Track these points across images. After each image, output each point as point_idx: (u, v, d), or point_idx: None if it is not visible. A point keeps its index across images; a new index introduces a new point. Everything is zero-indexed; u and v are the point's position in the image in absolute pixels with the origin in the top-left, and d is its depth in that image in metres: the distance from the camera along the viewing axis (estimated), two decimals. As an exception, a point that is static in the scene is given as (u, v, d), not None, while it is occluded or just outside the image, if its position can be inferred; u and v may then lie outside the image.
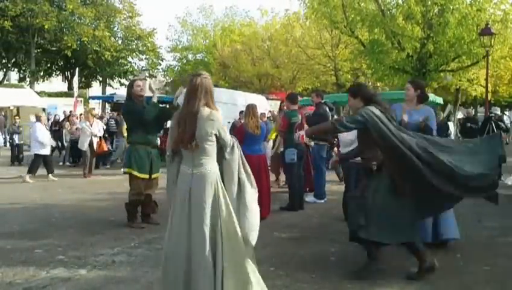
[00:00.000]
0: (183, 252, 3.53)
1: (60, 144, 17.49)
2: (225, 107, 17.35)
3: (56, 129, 17.88)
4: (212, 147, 3.62)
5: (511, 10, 17.88)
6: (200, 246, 3.49)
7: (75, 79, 26.00)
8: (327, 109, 9.07)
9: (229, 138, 3.70)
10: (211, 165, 3.62)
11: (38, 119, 12.78)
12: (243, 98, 19.10)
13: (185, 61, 40.35)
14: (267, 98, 21.80)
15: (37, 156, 12.35)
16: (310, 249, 5.81)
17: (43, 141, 12.32)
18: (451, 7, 17.67)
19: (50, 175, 12.31)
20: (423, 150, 4.49)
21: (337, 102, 19.22)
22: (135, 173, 6.73)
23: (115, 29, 37.55)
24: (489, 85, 17.56)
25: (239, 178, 3.70)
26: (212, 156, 3.64)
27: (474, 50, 18.12)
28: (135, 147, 6.79)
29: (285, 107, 9.88)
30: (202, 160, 3.59)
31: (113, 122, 18.15)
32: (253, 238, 3.72)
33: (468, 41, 17.89)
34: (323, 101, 9.38)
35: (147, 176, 6.80)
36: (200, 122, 3.54)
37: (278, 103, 26.56)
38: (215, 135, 3.60)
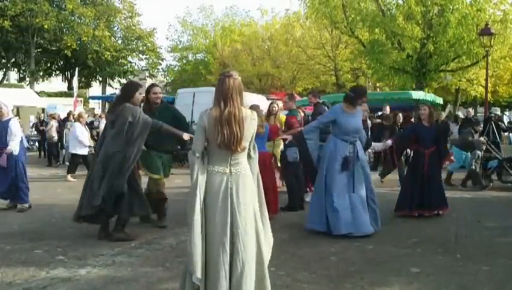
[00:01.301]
0: (226, 257, 3.41)
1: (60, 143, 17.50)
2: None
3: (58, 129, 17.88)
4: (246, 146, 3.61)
5: (510, 10, 17.92)
6: (249, 245, 3.46)
7: (75, 79, 25.99)
8: (326, 109, 9.06)
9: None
10: (246, 164, 3.62)
11: (77, 119, 12.86)
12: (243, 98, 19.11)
13: (185, 61, 40.34)
14: (267, 98, 21.73)
15: (74, 155, 12.53)
16: (310, 249, 5.81)
17: (82, 141, 12.43)
18: (451, 7, 17.72)
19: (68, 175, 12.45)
20: None
21: (337, 102, 19.24)
22: (150, 174, 6.87)
23: (115, 29, 37.56)
24: (489, 85, 17.58)
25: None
26: (246, 155, 3.65)
27: (474, 50, 18.17)
28: (148, 150, 6.71)
29: (283, 107, 9.92)
30: (239, 159, 3.57)
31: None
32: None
33: (468, 41, 17.93)
34: (321, 101, 9.38)
35: (160, 177, 6.89)
36: (246, 123, 3.53)
37: (279, 102, 26.62)
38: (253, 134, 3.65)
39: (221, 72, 3.74)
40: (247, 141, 3.57)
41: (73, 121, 14.34)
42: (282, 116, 9.66)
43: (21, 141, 8.42)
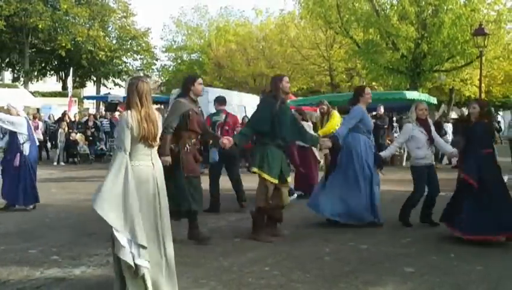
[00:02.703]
0: (157, 240, 3.97)
1: (53, 143, 17.49)
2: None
3: (52, 129, 17.85)
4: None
5: (504, 10, 18.00)
6: (167, 230, 4.10)
7: (69, 79, 25.95)
8: None
9: None
10: (158, 157, 4.21)
11: None
12: (238, 98, 19.11)
13: (179, 61, 40.29)
14: (262, 98, 21.80)
15: None
16: (304, 249, 5.82)
17: None
18: (446, 7, 17.77)
19: None
20: None
21: (332, 102, 19.29)
22: (265, 175, 6.13)
23: (109, 29, 37.49)
24: (482, 85, 17.62)
25: None
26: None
27: (468, 50, 18.23)
28: (268, 147, 6.20)
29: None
30: (156, 153, 4.13)
31: (106, 122, 18.13)
32: None
33: (462, 41, 18.00)
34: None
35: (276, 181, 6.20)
36: (158, 121, 4.06)
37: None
38: None
39: (133, 77, 4.35)
40: (159, 137, 4.12)
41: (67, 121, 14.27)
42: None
43: (32, 141, 8.41)
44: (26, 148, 8.18)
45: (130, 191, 3.77)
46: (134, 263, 3.66)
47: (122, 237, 3.70)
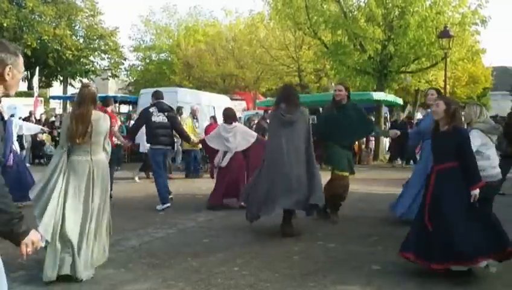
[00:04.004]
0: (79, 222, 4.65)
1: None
2: (189, 107, 17.31)
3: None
4: (102, 141, 4.91)
5: (468, 13, 18.38)
6: (98, 211, 4.75)
7: (35, 79, 25.39)
8: None
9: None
10: (103, 154, 4.94)
11: None
12: (207, 99, 19.09)
13: (148, 60, 39.90)
14: (231, 99, 21.84)
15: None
16: (273, 248, 5.87)
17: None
18: (412, 10, 18.05)
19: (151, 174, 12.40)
20: None
21: (301, 103, 19.41)
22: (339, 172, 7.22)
23: (76, 28, 36.81)
24: (447, 86, 18.00)
25: None
26: (102, 147, 4.93)
27: (433, 52, 18.57)
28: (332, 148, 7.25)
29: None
30: (97, 150, 4.84)
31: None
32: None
33: (427, 43, 18.32)
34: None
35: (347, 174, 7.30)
36: (96, 122, 4.76)
37: (242, 103, 26.67)
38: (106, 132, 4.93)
39: (82, 84, 5.28)
40: (97, 136, 4.78)
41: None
42: None
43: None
44: (16, 147, 8.55)
45: (57, 184, 4.59)
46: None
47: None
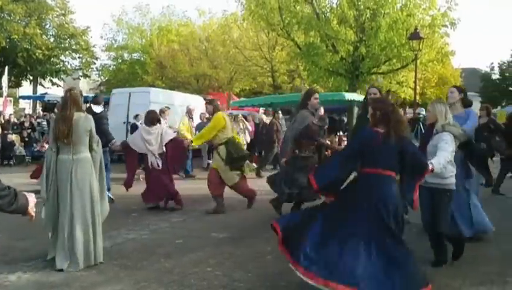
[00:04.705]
0: (67, 216, 5.11)
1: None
2: (161, 107, 17.19)
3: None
4: (86, 140, 5.28)
5: (438, 16, 18.70)
6: (77, 204, 5.12)
7: (4, 78, 24.94)
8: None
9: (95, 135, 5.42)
10: (86, 153, 5.29)
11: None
12: (181, 99, 18.99)
13: (120, 60, 39.49)
14: (205, 99, 21.73)
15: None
16: (246, 248, 5.89)
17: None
18: (383, 12, 18.28)
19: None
20: None
21: (273, 103, 19.51)
22: None
23: (47, 26, 36.16)
24: (417, 87, 18.30)
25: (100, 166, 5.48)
26: (87, 147, 5.30)
27: (403, 54, 18.83)
28: None
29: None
30: (80, 149, 5.22)
31: (43, 122, 17.60)
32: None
33: (398, 45, 18.56)
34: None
35: None
36: (78, 123, 5.17)
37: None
38: (89, 131, 5.29)
39: (67, 88, 5.56)
40: (78, 136, 5.16)
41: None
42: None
43: None
44: None
45: (49, 180, 5.24)
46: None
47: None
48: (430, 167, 4.52)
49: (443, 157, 4.79)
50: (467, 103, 6.43)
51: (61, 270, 4.91)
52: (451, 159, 5.01)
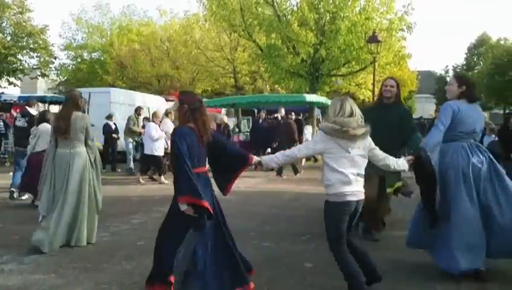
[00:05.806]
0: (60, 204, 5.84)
1: None
2: (122, 107, 17.02)
3: None
4: (82, 137, 6.03)
5: (395, 20, 19.16)
6: (72, 195, 5.89)
7: (-42, 77, 24.14)
8: None
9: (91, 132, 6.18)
10: (82, 147, 6.03)
11: (151, 118, 12.63)
12: (142, 99, 18.84)
13: (79, 60, 38.78)
14: (166, 100, 21.60)
15: (149, 156, 12.21)
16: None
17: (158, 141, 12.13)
18: (342, 15, 18.61)
19: (162, 177, 12.42)
20: None
21: (236, 104, 19.57)
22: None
23: (3, 25, 35.20)
24: (375, 89, 18.67)
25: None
26: (82, 142, 6.04)
27: (362, 56, 19.23)
28: None
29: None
30: (76, 144, 5.98)
31: (1, 122, 17.14)
32: None
33: (357, 48, 18.94)
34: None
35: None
36: (74, 121, 5.91)
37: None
38: (85, 129, 6.03)
39: (69, 89, 5.37)
40: (77, 133, 5.93)
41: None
42: None
43: None
44: None
45: (49, 172, 5.94)
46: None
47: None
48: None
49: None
50: (472, 99, 5.04)
51: (43, 252, 5.55)
52: (328, 161, 4.22)
